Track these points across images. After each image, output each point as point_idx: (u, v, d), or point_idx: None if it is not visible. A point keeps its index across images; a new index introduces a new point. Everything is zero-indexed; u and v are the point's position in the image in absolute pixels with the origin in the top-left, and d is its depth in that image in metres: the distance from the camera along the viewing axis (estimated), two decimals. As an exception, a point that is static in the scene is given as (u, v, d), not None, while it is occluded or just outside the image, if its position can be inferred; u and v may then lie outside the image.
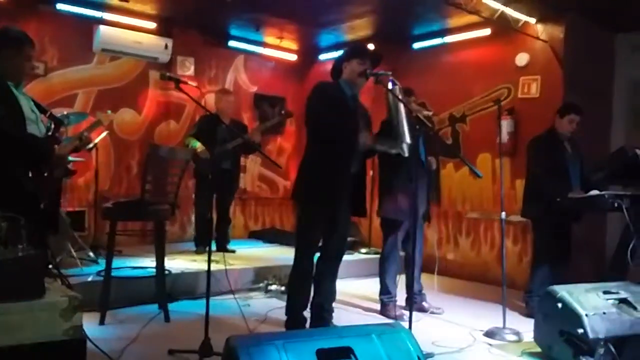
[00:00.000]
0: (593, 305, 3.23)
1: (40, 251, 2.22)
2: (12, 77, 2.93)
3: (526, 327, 3.93)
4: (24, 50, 2.96)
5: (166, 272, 4.32)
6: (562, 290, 3.40)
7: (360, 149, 3.58)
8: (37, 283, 2.12)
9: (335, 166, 3.50)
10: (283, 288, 4.78)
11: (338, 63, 3.72)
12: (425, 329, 3.97)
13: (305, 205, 3.66)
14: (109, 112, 3.89)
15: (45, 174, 2.89)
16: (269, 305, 4.49)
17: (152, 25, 6.42)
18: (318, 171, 3.52)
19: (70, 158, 3.18)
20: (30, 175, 2.83)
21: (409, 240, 4.48)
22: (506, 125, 5.63)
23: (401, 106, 3.46)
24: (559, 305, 3.33)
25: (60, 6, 5.87)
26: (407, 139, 3.41)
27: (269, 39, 7.34)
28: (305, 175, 3.63)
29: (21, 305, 2.04)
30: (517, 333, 3.93)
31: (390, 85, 3.44)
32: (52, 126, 3.04)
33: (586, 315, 3.15)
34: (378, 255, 6.15)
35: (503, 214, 4.05)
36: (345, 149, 3.51)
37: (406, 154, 3.49)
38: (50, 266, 2.90)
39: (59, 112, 4.25)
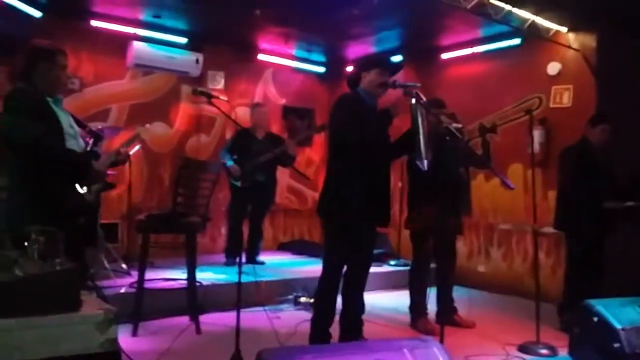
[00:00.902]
0: (629, 319, 3.16)
1: (77, 265, 2.26)
2: (50, 90, 2.99)
3: (561, 342, 3.86)
4: (57, 61, 3.01)
5: (197, 283, 4.37)
6: (598, 304, 3.33)
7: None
8: (74, 296, 2.16)
9: (360, 180, 3.47)
10: (312, 300, 4.77)
11: (356, 72, 3.69)
12: (457, 343, 3.92)
13: (331, 221, 3.62)
14: (148, 125, 3.94)
15: (84, 189, 2.95)
16: (299, 318, 4.49)
17: (183, 40, 6.55)
18: (343, 186, 3.50)
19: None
20: (68, 190, 2.89)
21: (440, 253, 4.45)
22: (538, 135, 5.54)
23: (422, 121, 3.41)
24: (595, 319, 3.27)
25: (94, 23, 6.03)
26: (425, 155, 3.36)
27: (298, 52, 7.40)
28: (331, 190, 3.60)
29: (58, 318, 2.08)
30: (551, 348, 3.86)
31: (413, 101, 3.40)
32: (91, 141, 3.10)
33: (622, 329, 3.08)
34: (407, 267, 6.15)
35: (536, 226, 3.99)
36: (369, 161, 3.49)
37: (425, 169, 3.44)
38: (86, 279, 2.95)
39: (93, 126, 4.34)
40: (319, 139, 7.91)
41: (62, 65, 3.03)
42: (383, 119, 3.65)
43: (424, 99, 3.49)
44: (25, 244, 2.27)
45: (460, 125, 4.30)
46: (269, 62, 7.41)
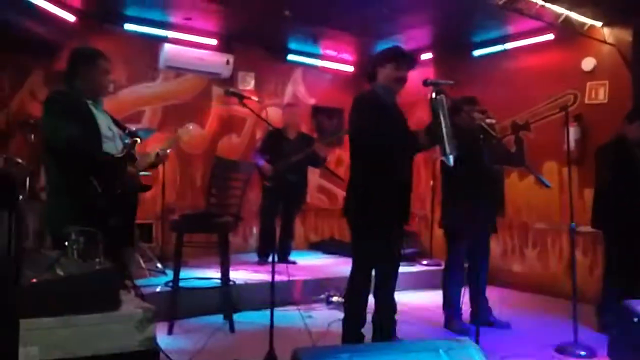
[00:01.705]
0: (671, 320, 3.07)
1: (116, 264, 2.31)
2: (92, 93, 3.05)
3: (599, 343, 3.77)
4: (99, 65, 3.08)
5: (231, 283, 4.41)
6: (638, 305, 3.25)
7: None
8: (114, 296, 2.20)
9: (383, 178, 3.43)
10: (343, 299, 4.77)
11: (372, 66, 3.62)
12: (492, 344, 3.86)
13: (357, 223, 3.58)
14: (190, 127, 3.95)
15: (119, 190, 3.00)
16: (331, 317, 4.49)
17: (213, 42, 6.61)
18: (366, 185, 3.46)
19: (143, 172, 3.28)
20: (104, 191, 2.94)
21: (474, 252, 4.40)
22: (573, 132, 5.43)
23: (444, 116, 3.32)
24: (635, 319, 3.19)
25: (127, 26, 6.14)
26: (449, 150, 3.28)
27: (327, 51, 7.40)
28: (355, 190, 3.57)
29: (98, 317, 2.12)
30: (589, 349, 3.78)
31: (433, 95, 3.32)
32: (130, 142, 3.15)
33: (664, 330, 3.00)
34: (439, 267, 6.11)
35: (573, 225, 3.91)
36: (389, 159, 3.45)
37: (451, 164, 3.36)
38: (125, 278, 3.01)
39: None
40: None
41: (104, 68, 3.09)
42: (403, 114, 3.61)
43: (446, 92, 3.38)
44: (65, 243, 2.32)
45: (493, 121, 4.24)
46: (298, 62, 7.43)
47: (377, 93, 3.56)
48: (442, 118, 3.19)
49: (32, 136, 4.97)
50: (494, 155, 4.37)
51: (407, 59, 3.62)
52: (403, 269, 3.80)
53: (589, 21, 5.43)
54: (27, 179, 4.56)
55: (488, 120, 4.20)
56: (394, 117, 3.54)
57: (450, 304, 4.42)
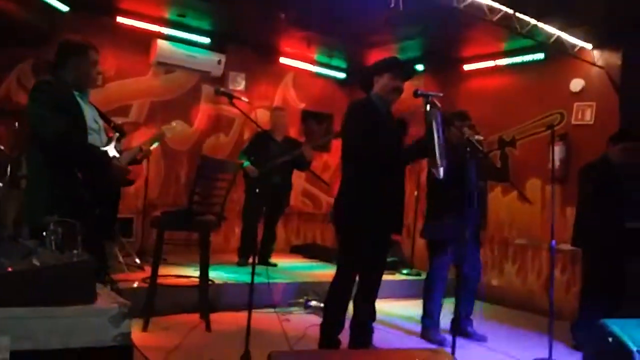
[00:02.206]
0: (646, 341, 3.09)
1: (94, 257, 2.28)
2: (79, 84, 3.02)
3: (573, 360, 3.81)
4: (88, 56, 3.04)
5: (209, 282, 4.38)
6: (614, 324, 3.26)
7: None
8: (90, 289, 2.17)
9: (374, 187, 3.43)
10: (322, 305, 4.76)
11: (369, 75, 3.64)
12: (468, 356, 3.88)
13: (345, 228, 3.59)
14: (174, 124, 3.92)
15: (102, 183, 2.96)
16: (309, 321, 4.47)
17: (206, 40, 6.59)
18: (357, 193, 3.47)
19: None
20: (86, 183, 2.91)
21: (465, 263, 4.40)
22: (558, 151, 5.48)
23: (437, 128, 3.35)
24: (610, 339, 3.20)
25: (120, 19, 6.10)
26: (440, 162, 3.30)
27: (319, 57, 7.42)
28: (345, 197, 3.57)
29: (73, 309, 2.09)
30: (563, 366, 3.81)
31: (428, 107, 3.35)
32: (116, 136, 3.12)
33: (638, 351, 3.01)
34: (420, 277, 6.14)
35: (553, 242, 3.94)
36: (382, 169, 3.45)
37: (441, 176, 3.39)
38: (102, 272, 2.97)
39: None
40: (337, 144, 7.89)
41: (93, 60, 3.06)
42: (397, 125, 3.62)
43: (439, 105, 3.41)
44: (44, 233, 2.29)
45: (481, 138, 4.29)
46: (290, 65, 7.43)
47: (372, 101, 3.57)
48: (435, 130, 3.21)
49: (17, 124, 4.91)
50: (480, 170, 4.41)
51: (405, 70, 3.64)
52: (383, 277, 3.80)
53: (579, 43, 5.50)
54: (8, 167, 4.49)
55: (477, 137, 4.25)
56: (386, 127, 3.55)
57: (429, 314, 4.43)
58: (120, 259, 4.92)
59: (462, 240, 3.97)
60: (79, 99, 2.99)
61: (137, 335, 3.69)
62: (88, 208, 2.82)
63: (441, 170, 3.27)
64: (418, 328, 4.57)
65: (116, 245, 4.93)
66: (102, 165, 2.97)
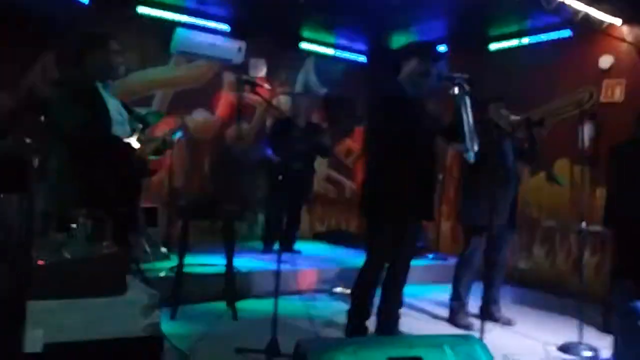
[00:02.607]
0: (677, 323, 3.02)
1: (123, 249, 2.30)
2: (102, 76, 3.03)
3: (604, 343, 3.74)
4: (109, 47, 3.05)
5: (235, 270, 4.40)
6: (645, 307, 3.20)
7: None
8: (120, 280, 2.20)
9: (403, 174, 3.39)
10: (348, 291, 4.75)
11: (396, 59, 3.59)
12: (496, 340, 3.83)
13: (374, 219, 3.55)
14: (195, 116, 3.93)
15: (126, 174, 2.98)
16: (334, 308, 4.48)
17: (226, 27, 6.57)
18: (386, 181, 3.43)
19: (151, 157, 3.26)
20: (111, 175, 2.92)
21: (493, 247, 4.36)
22: (587, 130, 5.36)
23: (467, 112, 3.30)
24: (640, 322, 3.14)
25: (140, 9, 6.10)
26: (471, 146, 3.25)
27: (340, 41, 7.34)
28: (373, 185, 3.54)
29: (105, 301, 2.12)
30: (594, 349, 3.75)
31: (456, 90, 3.30)
32: (139, 127, 3.13)
33: (669, 334, 2.95)
34: (445, 262, 6.10)
35: (583, 224, 3.86)
36: (412, 155, 3.41)
37: (472, 160, 3.35)
38: (131, 263, 3.00)
39: (137, 111, 4.40)
40: (359, 129, 7.85)
41: (114, 50, 3.06)
42: (427, 108, 3.57)
43: (468, 88, 3.36)
44: (73, 226, 2.31)
45: (518, 118, 4.24)
46: (311, 50, 7.37)
47: (400, 86, 3.52)
48: (464, 114, 3.16)
49: (42, 117, 4.95)
50: (515, 152, 4.36)
51: (431, 54, 3.58)
52: (410, 263, 3.78)
53: (608, 18, 5.34)
54: (36, 160, 4.55)
55: (513, 118, 4.20)
56: (416, 112, 3.49)
57: (457, 297, 4.39)
58: (147, 248, 4.96)
59: (493, 223, 3.93)
60: (101, 90, 3.00)
61: (165, 323, 3.70)
62: (112, 199, 2.84)
63: (472, 154, 3.23)
64: (445, 313, 4.54)
65: (142, 235, 4.97)
66: (125, 156, 2.98)
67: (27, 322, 1.96)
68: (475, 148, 3.23)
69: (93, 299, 2.10)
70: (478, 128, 3.65)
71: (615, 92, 5.46)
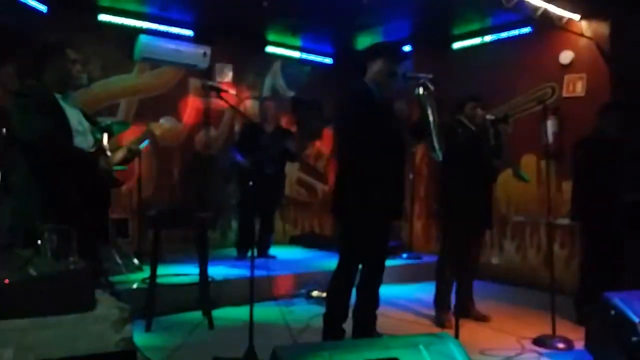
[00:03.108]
0: (648, 312, 3.09)
1: (91, 262, 2.25)
2: (61, 85, 2.95)
3: (577, 335, 3.81)
4: (66, 55, 2.96)
5: (209, 278, 4.35)
6: (616, 297, 3.27)
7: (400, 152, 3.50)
8: (89, 295, 2.14)
9: (373, 174, 3.40)
10: (324, 294, 4.75)
11: (362, 61, 3.60)
12: (472, 336, 3.88)
13: (346, 219, 3.56)
14: (162, 121, 3.88)
15: (91, 185, 2.91)
16: (311, 312, 4.47)
17: (190, 33, 6.51)
18: (356, 181, 3.43)
19: (118, 167, 3.20)
20: (75, 187, 2.86)
21: (466, 245, 4.40)
22: (551, 125, 5.47)
23: (431, 111, 3.31)
24: (612, 312, 3.21)
25: (102, 17, 6.00)
26: (438, 145, 3.28)
27: (306, 43, 7.35)
28: (344, 186, 3.53)
29: (74, 317, 2.06)
30: (567, 341, 3.82)
31: (421, 90, 3.31)
32: (102, 137, 3.06)
33: (640, 322, 3.02)
34: (419, 261, 6.15)
35: (551, 217, 3.93)
36: (382, 155, 3.41)
37: (440, 159, 3.38)
38: (100, 276, 2.94)
39: (102, 121, 4.32)
40: (329, 132, 7.87)
41: (72, 59, 2.98)
42: (394, 108, 3.59)
43: (432, 88, 3.38)
44: (38, 242, 2.25)
45: (492, 117, 4.32)
46: (277, 54, 7.36)
47: (367, 87, 3.52)
48: (429, 113, 3.18)
49: (4, 129, 4.83)
50: (488, 150, 4.42)
51: (398, 54, 3.60)
52: (384, 262, 3.79)
53: (567, 14, 5.46)
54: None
55: (488, 117, 4.26)
56: (384, 113, 3.51)
57: (442, 296, 4.42)
58: (118, 260, 4.87)
59: (469, 221, 3.97)
60: (61, 101, 2.92)
61: (140, 336, 3.67)
62: (78, 212, 2.77)
63: (440, 153, 3.25)
64: (421, 311, 4.57)
65: (112, 247, 4.88)
66: (89, 167, 2.91)
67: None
68: (443, 146, 3.26)
69: (62, 317, 2.04)
70: (449, 127, 3.70)
71: (576, 86, 5.58)
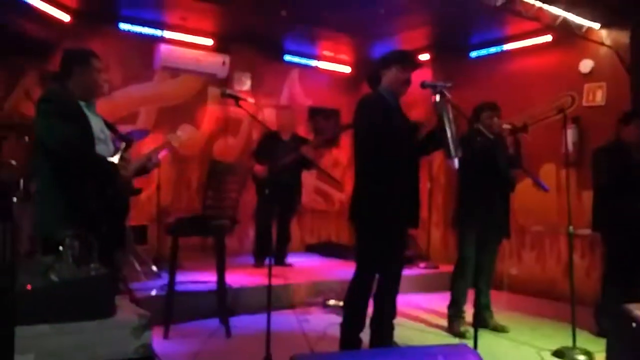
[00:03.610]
0: (670, 325, 3.04)
1: (111, 269, 2.27)
2: (85, 94, 3.00)
3: (598, 347, 3.76)
4: (92, 65, 3.02)
5: (227, 286, 4.36)
6: (637, 309, 3.22)
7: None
8: (109, 302, 2.16)
9: (390, 182, 3.40)
10: (341, 303, 4.73)
11: (376, 70, 3.61)
12: (490, 348, 3.85)
13: (364, 227, 3.54)
14: (179, 133, 3.92)
15: (111, 193, 2.95)
16: (328, 321, 4.46)
17: (210, 42, 6.58)
18: (373, 189, 3.42)
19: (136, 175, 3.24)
20: (95, 194, 2.89)
21: (482, 254, 4.37)
22: (571, 134, 5.42)
23: (448, 119, 3.30)
24: (633, 324, 3.16)
25: (122, 26, 6.09)
26: (455, 153, 3.26)
27: (324, 52, 7.37)
28: (361, 194, 3.53)
29: (94, 324, 2.09)
30: (588, 353, 3.76)
31: (437, 98, 3.31)
32: (123, 146, 3.10)
33: (662, 336, 2.97)
34: (436, 270, 6.11)
35: (571, 228, 3.89)
36: (399, 163, 3.41)
37: (456, 167, 3.36)
38: (118, 282, 2.96)
39: (122, 129, 4.37)
40: (346, 139, 7.88)
41: (97, 68, 3.04)
42: (408, 118, 3.59)
43: (449, 96, 3.36)
44: (59, 248, 2.27)
45: (508, 126, 4.29)
46: (295, 62, 7.40)
47: (382, 96, 3.54)
48: (446, 121, 3.17)
49: (27, 138, 4.91)
50: (512, 159, 4.39)
51: (411, 62, 3.61)
52: (401, 272, 3.77)
53: (586, 23, 5.42)
54: (21, 181, 4.50)
55: (505, 126, 4.24)
56: (399, 120, 3.52)
57: (455, 305, 4.40)
58: (137, 267, 4.91)
59: (486, 230, 3.93)
60: (85, 109, 2.97)
61: (158, 343, 3.68)
62: (97, 219, 2.81)
63: (456, 161, 3.23)
64: (438, 321, 4.55)
65: (132, 254, 4.93)
66: (109, 175, 2.95)
67: (16, 348, 1.92)
68: (460, 154, 3.24)
69: (83, 322, 2.06)
70: (468, 136, 3.67)
71: (596, 95, 5.53)
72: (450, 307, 4.44)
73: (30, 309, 2.01)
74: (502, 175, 4.33)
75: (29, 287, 2.04)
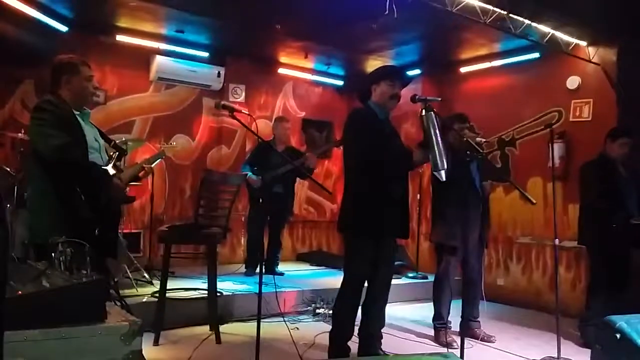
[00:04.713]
0: (653, 337, 3.10)
1: (102, 276, 2.31)
2: (78, 102, 3.03)
3: (582, 358, 3.81)
4: (81, 72, 3.05)
5: (218, 294, 4.42)
6: (621, 320, 3.28)
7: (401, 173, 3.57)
8: (100, 308, 2.20)
9: (381, 194, 3.46)
10: (331, 312, 4.79)
11: (366, 85, 3.69)
12: (477, 357, 3.91)
13: (352, 238, 3.61)
14: (173, 143, 3.99)
15: (104, 200, 2.99)
16: (317, 329, 4.50)
17: (205, 54, 6.67)
18: (363, 202, 3.49)
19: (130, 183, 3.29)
20: (87, 202, 2.93)
21: (467, 265, 4.44)
22: (558, 149, 5.52)
23: (435, 132, 3.37)
24: (617, 335, 3.22)
25: (119, 37, 6.16)
26: (441, 165, 3.33)
27: (317, 65, 7.47)
28: (350, 205, 3.60)
29: (84, 329, 2.12)
30: (572, 364, 3.82)
31: (424, 112, 3.37)
32: (115, 155, 3.16)
33: (645, 347, 3.03)
34: (425, 280, 6.17)
35: (556, 240, 3.97)
36: (385, 175, 3.48)
37: (444, 179, 3.42)
38: (109, 289, 3.00)
39: (117, 138, 4.43)
40: (338, 151, 7.96)
41: (87, 76, 3.07)
42: (398, 133, 3.67)
43: (434, 109, 3.42)
44: (52, 254, 2.33)
45: (482, 139, 4.35)
46: (288, 75, 7.50)
47: (371, 109, 3.62)
48: (433, 134, 3.24)
49: (22, 147, 4.96)
50: (484, 172, 4.47)
51: (400, 77, 3.69)
52: (389, 282, 3.83)
53: (574, 40, 5.54)
54: (15, 188, 4.55)
55: (477, 139, 4.30)
56: (388, 134, 3.60)
57: (439, 317, 4.46)
58: (129, 274, 4.96)
59: (465, 242, 4.00)
60: (79, 118, 3.02)
61: (148, 349, 3.72)
62: (91, 226, 2.85)
63: (443, 173, 3.30)
64: (426, 331, 4.60)
65: (124, 261, 4.97)
66: (102, 182, 2.99)
67: (6, 353, 1.96)
68: (446, 166, 3.31)
69: (73, 328, 2.10)
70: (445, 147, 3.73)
71: (583, 111, 5.64)
72: (434, 319, 4.51)
73: (20, 314, 2.05)
74: (476, 189, 4.41)
75: (19, 292, 2.08)
